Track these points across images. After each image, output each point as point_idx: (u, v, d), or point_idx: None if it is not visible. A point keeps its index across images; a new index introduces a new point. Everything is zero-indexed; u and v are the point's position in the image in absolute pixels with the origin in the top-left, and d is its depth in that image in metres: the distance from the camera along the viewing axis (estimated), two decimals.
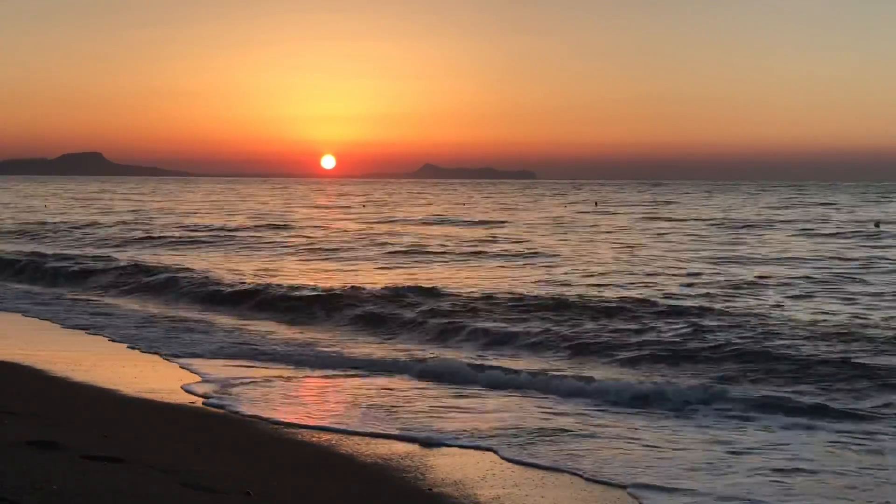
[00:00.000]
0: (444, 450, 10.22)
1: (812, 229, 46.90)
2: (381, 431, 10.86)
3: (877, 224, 48.44)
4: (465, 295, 21.67)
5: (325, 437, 10.67)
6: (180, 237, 43.04)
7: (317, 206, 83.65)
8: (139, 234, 44.82)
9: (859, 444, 10.40)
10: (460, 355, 15.97)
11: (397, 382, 13.76)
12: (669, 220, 58.31)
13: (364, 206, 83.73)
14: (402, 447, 10.26)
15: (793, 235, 43.26)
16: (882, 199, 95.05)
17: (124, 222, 53.57)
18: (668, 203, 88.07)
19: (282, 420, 11.39)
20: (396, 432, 10.82)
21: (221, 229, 47.86)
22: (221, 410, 11.87)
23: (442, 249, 36.14)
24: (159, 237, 42.84)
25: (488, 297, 21.23)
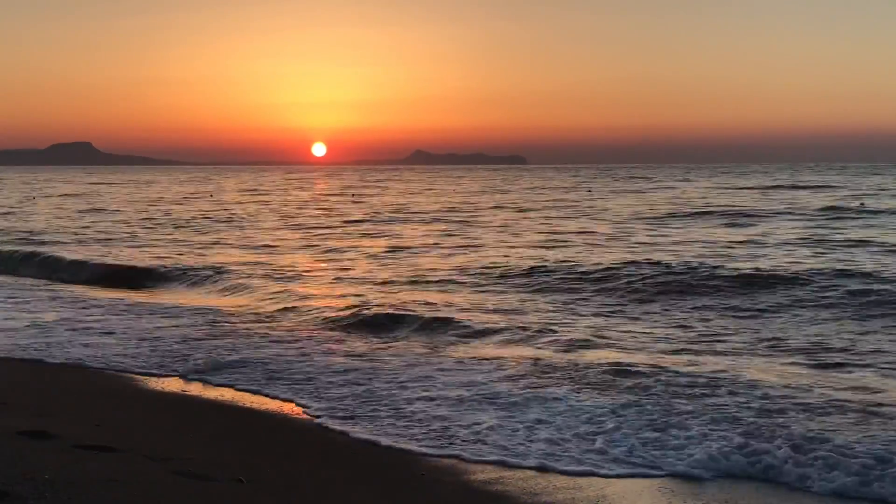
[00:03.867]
0: None
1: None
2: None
3: (861, 204, 48.39)
4: None
5: (317, 423, 10.66)
6: None
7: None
8: None
9: None
10: None
11: None
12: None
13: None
14: None
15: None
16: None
17: None
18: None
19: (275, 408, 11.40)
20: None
21: None
22: (213, 398, 11.86)
23: None
24: None
25: None
